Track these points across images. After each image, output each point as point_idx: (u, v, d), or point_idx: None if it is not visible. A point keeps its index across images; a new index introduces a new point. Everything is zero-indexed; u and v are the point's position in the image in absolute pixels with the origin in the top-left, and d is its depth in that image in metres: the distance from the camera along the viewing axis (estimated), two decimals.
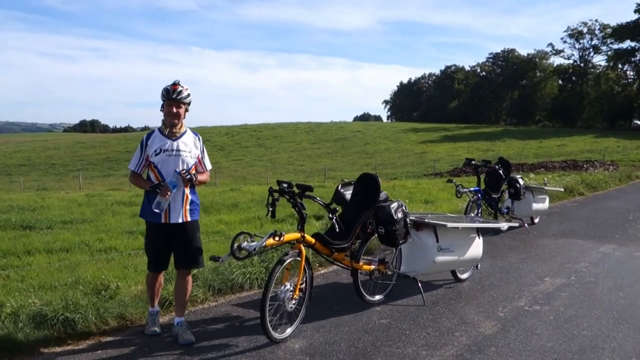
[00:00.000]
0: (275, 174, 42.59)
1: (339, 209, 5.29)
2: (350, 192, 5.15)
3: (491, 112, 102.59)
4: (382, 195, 5.20)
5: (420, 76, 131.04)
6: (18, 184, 40.10)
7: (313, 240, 4.65)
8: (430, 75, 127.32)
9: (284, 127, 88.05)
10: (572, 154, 41.97)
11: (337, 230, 4.68)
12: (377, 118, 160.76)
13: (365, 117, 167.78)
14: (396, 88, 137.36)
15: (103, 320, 4.70)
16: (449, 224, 5.51)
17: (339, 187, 5.12)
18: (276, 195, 4.51)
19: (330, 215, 4.69)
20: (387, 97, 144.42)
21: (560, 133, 67.99)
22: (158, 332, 4.54)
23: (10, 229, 11.11)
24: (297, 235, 4.46)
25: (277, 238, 4.21)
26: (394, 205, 5.09)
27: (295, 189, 4.46)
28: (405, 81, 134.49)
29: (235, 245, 4.05)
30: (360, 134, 78.20)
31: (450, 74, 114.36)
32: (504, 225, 6.83)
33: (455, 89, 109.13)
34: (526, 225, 9.60)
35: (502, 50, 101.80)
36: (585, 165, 28.64)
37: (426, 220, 5.52)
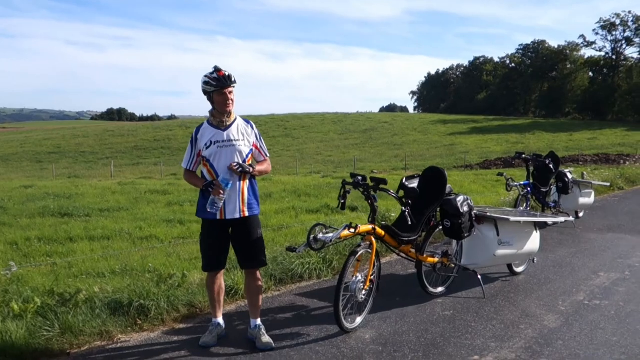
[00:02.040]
0: (304, 164, 42.78)
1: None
2: (415, 185, 5.20)
3: (520, 104, 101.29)
4: (447, 189, 5.25)
5: (448, 67, 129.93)
6: (49, 171, 40.95)
7: (383, 233, 4.73)
8: (458, 66, 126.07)
9: (311, 117, 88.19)
10: (604, 148, 41.31)
11: (410, 222, 4.74)
12: (404, 109, 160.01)
13: (391, 108, 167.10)
14: (423, 79, 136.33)
15: (174, 307, 4.84)
16: (512, 218, 5.55)
17: (404, 180, 5.17)
18: (348, 187, 4.58)
19: (403, 208, 4.76)
20: (414, 88, 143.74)
21: (590, 126, 66.94)
22: (211, 344, 4.21)
23: (49, 215, 11.42)
24: (369, 227, 4.54)
25: (351, 230, 4.29)
26: (460, 198, 5.14)
27: (370, 182, 4.53)
28: (432, 72, 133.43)
29: (312, 236, 4.14)
30: (388, 125, 77.98)
31: (478, 65, 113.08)
32: (560, 219, 6.82)
33: (483, 80, 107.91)
34: (570, 219, 9.54)
35: (532, 42, 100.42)
36: (618, 159, 28.20)
37: (488, 213, 5.56)
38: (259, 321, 4.35)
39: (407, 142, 61.40)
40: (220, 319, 4.40)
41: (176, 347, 4.19)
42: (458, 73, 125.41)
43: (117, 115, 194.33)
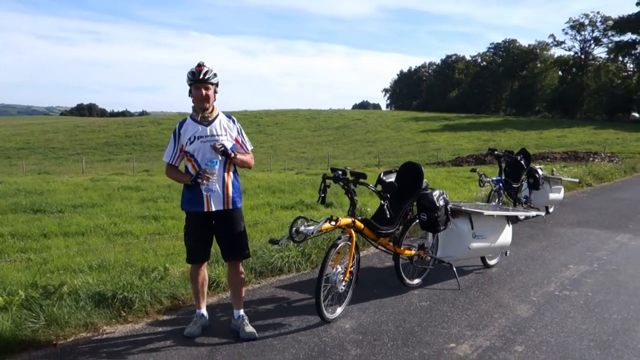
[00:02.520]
0: (278, 161, 42.79)
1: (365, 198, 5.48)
2: (393, 179, 5.34)
3: (491, 102, 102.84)
4: (424, 184, 5.41)
5: (420, 65, 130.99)
6: (18, 167, 40.22)
7: (362, 226, 4.86)
8: (430, 64, 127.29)
9: (284, 113, 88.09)
10: (573, 145, 42.25)
11: (388, 216, 4.88)
12: (376, 106, 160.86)
13: (364, 105, 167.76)
14: (396, 76, 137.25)
15: (157, 300, 4.91)
16: (485, 212, 5.74)
17: (382, 175, 5.31)
18: (328, 182, 4.70)
19: (382, 202, 4.89)
20: (387, 86, 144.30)
21: (560, 124, 68.31)
22: (195, 334, 4.29)
23: (21, 212, 11.31)
24: (349, 220, 4.66)
25: (332, 223, 4.41)
26: (436, 193, 5.30)
27: (350, 176, 4.66)
28: (405, 70, 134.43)
29: (294, 229, 4.24)
30: (361, 122, 78.39)
31: (450, 64, 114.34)
32: (531, 214, 7.06)
33: (455, 78, 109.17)
34: (541, 214, 9.83)
35: (503, 41, 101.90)
36: (586, 157, 28.90)
37: (462, 208, 5.74)
38: (242, 312, 4.45)
39: (380, 139, 61.84)
40: (204, 310, 4.48)
41: (161, 338, 4.26)
42: (430, 71, 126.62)
43: (87, 110, 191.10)
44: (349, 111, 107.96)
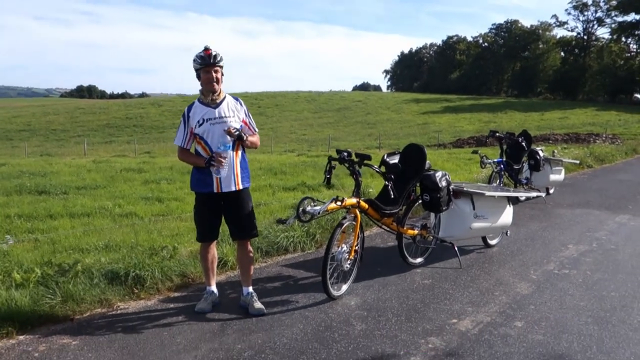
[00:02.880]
0: (278, 142, 42.82)
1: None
2: (396, 161, 5.45)
3: (492, 84, 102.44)
4: (426, 165, 5.53)
5: (421, 46, 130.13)
6: (20, 149, 40.30)
7: (366, 206, 4.99)
8: (431, 45, 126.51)
9: (284, 95, 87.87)
10: (574, 127, 42.26)
11: (392, 196, 5.00)
12: (377, 88, 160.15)
13: (364, 87, 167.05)
14: (397, 58, 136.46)
15: (168, 277, 5.06)
16: (487, 193, 5.87)
17: (385, 157, 5.42)
18: (334, 163, 4.82)
19: (387, 182, 5.01)
20: (387, 67, 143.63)
21: (561, 106, 68.16)
22: (206, 310, 4.43)
23: (26, 193, 11.43)
24: (354, 201, 4.79)
25: (338, 203, 4.54)
26: (439, 174, 5.43)
27: (355, 158, 4.78)
28: (405, 51, 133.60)
29: (301, 209, 4.37)
30: (362, 103, 78.23)
31: (452, 45, 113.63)
32: (532, 195, 7.18)
33: (456, 59, 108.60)
34: (542, 195, 9.95)
35: (505, 21, 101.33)
36: (587, 138, 28.96)
37: (464, 189, 5.86)
38: (250, 289, 4.60)
39: (381, 120, 61.76)
40: (214, 287, 4.64)
41: (174, 313, 4.42)
42: (431, 52, 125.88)
43: (87, 92, 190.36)
44: (350, 93, 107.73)
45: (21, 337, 3.92)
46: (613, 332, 4.24)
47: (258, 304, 4.49)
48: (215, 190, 4.29)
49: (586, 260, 6.31)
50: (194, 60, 4.24)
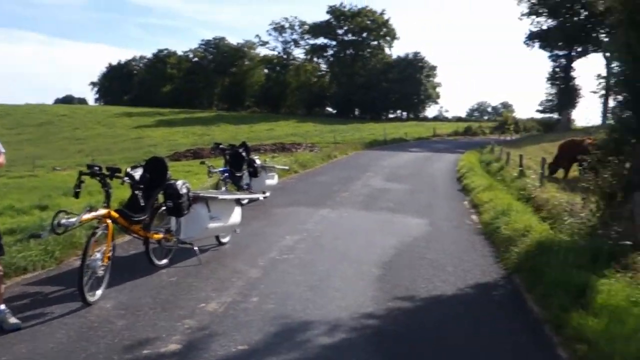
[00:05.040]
0: None
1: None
2: (139, 173, 6.00)
3: (204, 97, 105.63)
4: (168, 175, 6.21)
5: (130, 58, 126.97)
6: None
7: (117, 215, 5.45)
8: (141, 57, 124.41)
9: None
10: (280, 137, 46.58)
11: (139, 205, 5.54)
12: (82, 101, 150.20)
13: (68, 100, 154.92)
14: (105, 69, 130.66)
15: None
16: (220, 197, 6.81)
17: (129, 170, 5.91)
18: (83, 177, 5.17)
19: (135, 192, 5.53)
20: (94, 79, 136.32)
21: (267, 118, 74.07)
22: None
23: None
24: (105, 211, 5.22)
25: (91, 214, 4.94)
26: (179, 182, 6.16)
27: (106, 172, 5.21)
28: (114, 63, 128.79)
29: (55, 222, 4.66)
30: (68, 118, 73.14)
31: (162, 58, 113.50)
32: (254, 197, 8.38)
33: (168, 73, 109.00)
34: (261, 197, 11.38)
35: (213, 38, 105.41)
36: (292, 147, 32.56)
37: (201, 194, 6.70)
38: (3, 306, 4.66)
39: (91, 136, 58.82)
40: None
41: None
42: (141, 65, 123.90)
43: None
44: (52, 106, 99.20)
45: None
46: (322, 294, 5.57)
47: (13, 319, 4.59)
48: None
49: (300, 246, 7.73)
50: None
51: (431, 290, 5.91)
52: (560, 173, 16.04)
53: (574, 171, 15.42)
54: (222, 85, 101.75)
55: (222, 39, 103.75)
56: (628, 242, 6.15)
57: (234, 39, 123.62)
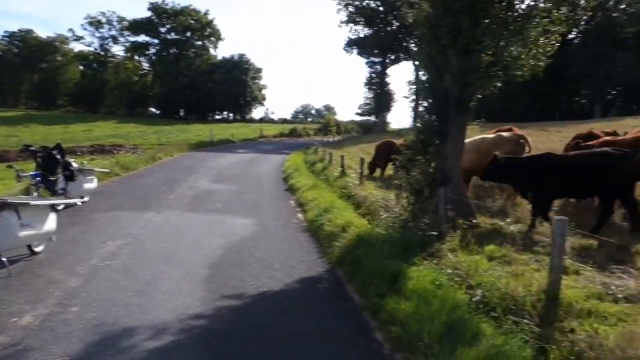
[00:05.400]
0: None
1: None
2: None
3: (10, 95, 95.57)
4: None
5: None
6: None
7: None
8: None
9: None
10: (99, 139, 43.82)
11: None
12: None
13: None
14: None
15: None
16: (33, 202, 6.31)
17: None
18: None
19: None
20: None
21: (85, 119, 69.28)
22: None
23: None
24: None
25: None
26: None
27: None
28: None
29: None
30: None
31: None
32: (71, 202, 7.89)
33: None
34: (79, 202, 10.71)
35: (19, 30, 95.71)
36: (112, 150, 30.92)
37: (9, 200, 6.15)
38: None
39: None
40: None
41: None
42: None
43: None
44: None
45: None
46: (149, 299, 5.47)
47: None
48: None
49: (124, 252, 7.46)
50: None
51: (259, 288, 6.10)
52: (378, 172, 17.29)
53: (390, 170, 16.74)
54: (30, 82, 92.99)
55: (30, 31, 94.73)
56: (434, 233, 6.93)
57: (43, 32, 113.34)
